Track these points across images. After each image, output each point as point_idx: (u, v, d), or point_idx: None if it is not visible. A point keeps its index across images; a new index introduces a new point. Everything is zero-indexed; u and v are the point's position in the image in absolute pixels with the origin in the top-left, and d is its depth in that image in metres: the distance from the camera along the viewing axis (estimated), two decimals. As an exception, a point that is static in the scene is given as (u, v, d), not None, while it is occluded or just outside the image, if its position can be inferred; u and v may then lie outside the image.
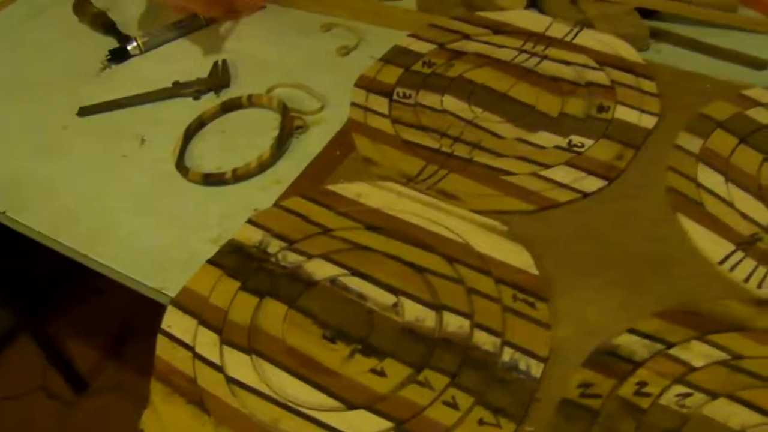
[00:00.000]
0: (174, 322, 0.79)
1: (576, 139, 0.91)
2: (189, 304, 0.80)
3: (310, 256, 0.82)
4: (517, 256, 0.79)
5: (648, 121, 0.92)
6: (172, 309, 0.80)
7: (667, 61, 1.03)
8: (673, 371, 0.69)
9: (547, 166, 0.89)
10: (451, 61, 1.04)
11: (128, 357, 1.83)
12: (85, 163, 1.04)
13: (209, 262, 0.84)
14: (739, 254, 0.78)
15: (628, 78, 0.98)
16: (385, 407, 0.70)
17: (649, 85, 0.96)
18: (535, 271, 0.78)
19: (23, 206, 0.99)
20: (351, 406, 0.70)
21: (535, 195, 0.85)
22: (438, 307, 0.76)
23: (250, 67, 1.15)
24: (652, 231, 0.82)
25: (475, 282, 0.77)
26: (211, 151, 1.02)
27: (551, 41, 1.05)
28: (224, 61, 1.14)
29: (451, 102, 0.99)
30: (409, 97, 1.00)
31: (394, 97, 1.01)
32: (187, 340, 0.77)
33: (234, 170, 0.95)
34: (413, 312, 0.76)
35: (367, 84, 1.03)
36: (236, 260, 0.83)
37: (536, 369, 0.71)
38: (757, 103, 0.93)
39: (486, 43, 1.06)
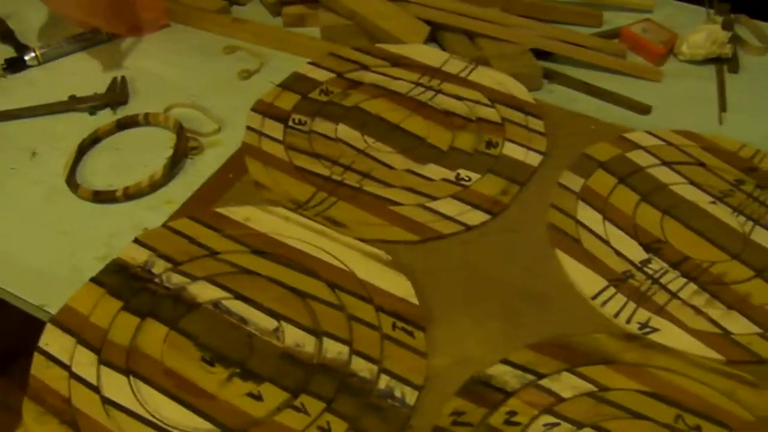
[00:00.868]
0: (52, 340, 0.78)
1: (464, 172, 0.94)
2: (69, 322, 0.79)
3: (194, 278, 0.82)
4: (398, 286, 0.81)
5: (534, 159, 0.95)
6: (50, 327, 0.79)
7: (559, 101, 1.08)
8: (542, 401, 0.72)
9: (434, 198, 0.91)
10: (348, 91, 1.06)
11: (15, 374, 1.77)
12: (-30, 173, 1.01)
13: (92, 280, 0.83)
14: (611, 290, 0.82)
15: (517, 116, 1.01)
16: (261, 431, 0.70)
17: (537, 124, 1.00)
18: (415, 301, 0.79)
19: None
20: (226, 429, 0.70)
21: (420, 226, 0.87)
22: (318, 333, 0.77)
23: (150, 85, 1.14)
24: (531, 265, 0.85)
25: (356, 309, 0.79)
26: (104, 168, 1.01)
27: (447, 76, 1.08)
28: (123, 78, 1.14)
29: (344, 131, 1.00)
30: (304, 123, 1.01)
31: (290, 123, 1.02)
32: (64, 359, 0.76)
33: (125, 188, 0.95)
34: (294, 337, 0.77)
35: (264, 109, 1.04)
36: (120, 280, 0.83)
37: (411, 397, 0.72)
38: (637, 146, 0.97)
39: (383, 74, 1.09)
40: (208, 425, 0.71)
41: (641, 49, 1.17)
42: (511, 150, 0.97)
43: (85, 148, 1.03)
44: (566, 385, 0.73)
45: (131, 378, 0.74)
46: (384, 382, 0.73)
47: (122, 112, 1.09)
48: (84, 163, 1.01)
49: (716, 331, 0.77)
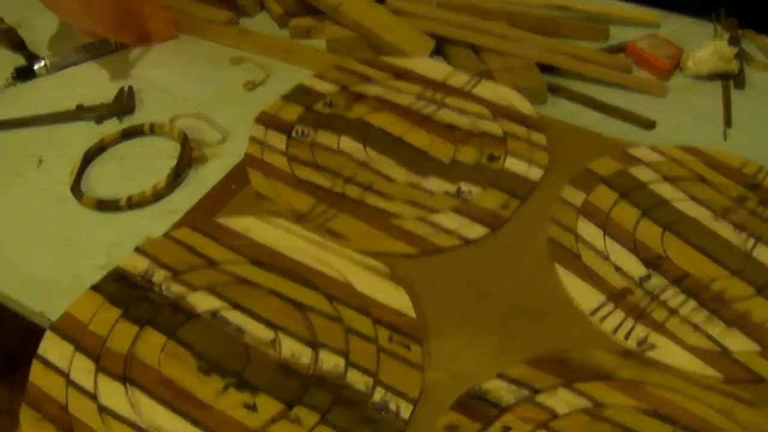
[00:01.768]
0: (51, 347, 0.78)
1: (465, 186, 0.94)
2: (68, 329, 0.80)
3: (193, 288, 0.82)
4: (396, 299, 0.81)
5: (535, 173, 0.95)
6: (50, 334, 0.80)
7: (563, 115, 1.07)
8: (537, 417, 0.71)
9: (434, 211, 0.91)
10: (351, 103, 1.06)
11: (20, 381, 1.78)
12: (-24, 180, 1.02)
13: (93, 288, 0.83)
14: (610, 306, 0.81)
15: (520, 130, 1.01)
16: (254, 442, 0.70)
17: (539, 138, 1.00)
18: (412, 314, 0.79)
19: None
20: (220, 439, 0.71)
21: (420, 239, 0.88)
22: (315, 345, 0.77)
23: (156, 95, 1.15)
24: (530, 280, 0.85)
25: (354, 321, 0.79)
26: (109, 177, 1.01)
27: (450, 90, 1.08)
28: (130, 88, 1.14)
29: (347, 143, 1.01)
30: (307, 135, 1.02)
31: (293, 134, 1.02)
32: (63, 366, 0.77)
33: (129, 198, 0.95)
34: (290, 348, 0.77)
35: (267, 120, 1.04)
36: (120, 288, 0.83)
37: (405, 410, 0.72)
38: (639, 162, 0.97)
39: (387, 87, 1.09)
40: (202, 435, 0.71)
41: (647, 63, 1.16)
42: (513, 164, 0.97)
43: (90, 156, 1.04)
44: (562, 400, 0.73)
45: (128, 386, 0.75)
46: (379, 394, 0.73)
47: (128, 122, 1.10)
48: (89, 171, 1.02)
49: (715, 349, 0.77)
